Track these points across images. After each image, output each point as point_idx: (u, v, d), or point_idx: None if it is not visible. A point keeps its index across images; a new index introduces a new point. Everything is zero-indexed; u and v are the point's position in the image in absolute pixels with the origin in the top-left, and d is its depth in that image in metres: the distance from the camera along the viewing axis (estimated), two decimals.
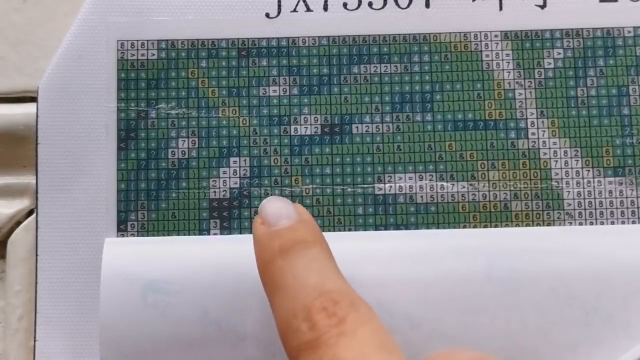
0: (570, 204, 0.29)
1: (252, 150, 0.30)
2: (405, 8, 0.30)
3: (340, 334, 0.21)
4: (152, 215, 0.29)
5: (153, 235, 0.29)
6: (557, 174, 0.29)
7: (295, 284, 0.23)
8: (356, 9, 0.30)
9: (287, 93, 0.30)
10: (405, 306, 0.26)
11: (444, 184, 0.29)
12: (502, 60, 0.30)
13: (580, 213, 0.29)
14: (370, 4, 0.30)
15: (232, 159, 0.30)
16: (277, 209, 0.24)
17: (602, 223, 0.29)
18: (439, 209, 0.29)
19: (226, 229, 0.29)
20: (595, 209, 0.29)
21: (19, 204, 0.30)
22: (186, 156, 0.30)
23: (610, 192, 0.29)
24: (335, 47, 0.30)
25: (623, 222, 0.29)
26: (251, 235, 0.29)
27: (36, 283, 0.29)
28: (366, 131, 0.30)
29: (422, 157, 0.29)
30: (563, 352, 0.26)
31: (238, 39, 0.30)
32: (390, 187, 0.29)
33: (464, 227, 0.29)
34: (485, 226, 0.29)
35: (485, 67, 0.30)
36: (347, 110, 0.30)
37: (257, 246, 0.24)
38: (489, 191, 0.29)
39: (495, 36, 0.30)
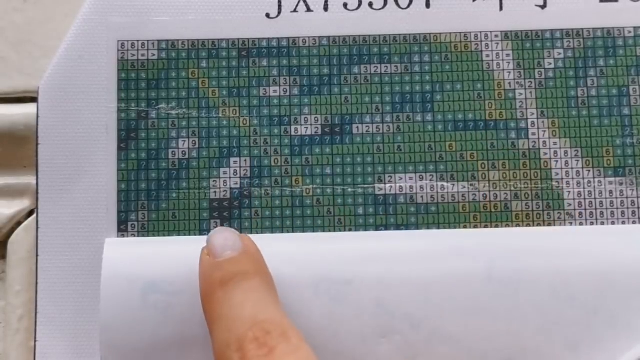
0: (570, 204, 0.29)
1: (252, 150, 0.30)
2: (406, 8, 0.30)
3: None
4: (153, 215, 0.29)
5: (153, 235, 0.29)
6: (557, 174, 0.29)
7: (230, 315, 0.23)
8: (356, 9, 0.30)
9: (288, 93, 0.30)
10: (405, 306, 0.27)
11: (445, 184, 0.29)
12: (503, 60, 0.30)
13: (580, 213, 0.29)
14: (370, 4, 0.30)
15: (232, 159, 0.30)
16: (223, 240, 0.25)
17: (602, 223, 0.29)
18: (440, 209, 0.29)
19: None
20: (596, 209, 0.29)
21: (20, 204, 0.30)
22: (186, 156, 0.30)
23: (611, 192, 0.29)
24: (335, 47, 0.30)
25: (623, 222, 0.29)
26: (252, 236, 0.29)
27: (36, 283, 0.29)
28: (366, 131, 0.30)
29: (422, 157, 0.29)
30: (564, 352, 0.26)
31: (238, 39, 0.30)
32: (391, 187, 0.29)
33: (465, 227, 0.29)
34: (486, 226, 0.29)
35: (486, 67, 0.30)
36: (348, 111, 0.30)
37: (200, 277, 0.25)
38: (490, 191, 0.29)
39: (496, 36, 0.30)
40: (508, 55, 0.30)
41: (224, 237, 0.25)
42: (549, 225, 0.29)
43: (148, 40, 0.30)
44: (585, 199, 0.29)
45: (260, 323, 0.23)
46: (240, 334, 0.23)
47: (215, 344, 0.23)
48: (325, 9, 0.30)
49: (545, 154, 0.29)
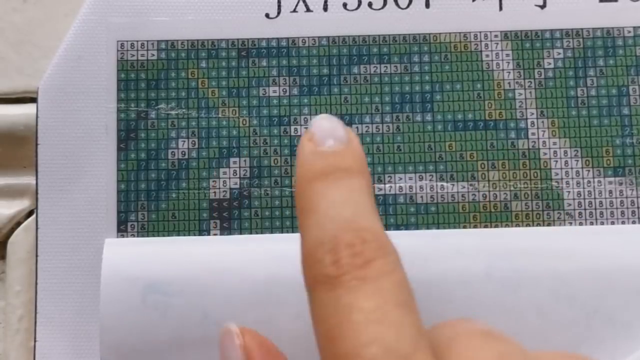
0: (570, 204, 0.29)
1: (252, 150, 0.30)
2: (405, 8, 0.30)
3: (363, 278, 0.20)
4: (152, 215, 0.29)
5: (153, 235, 0.29)
6: (557, 174, 0.29)
7: (328, 211, 0.21)
8: (356, 9, 0.30)
9: (287, 93, 0.30)
10: None
11: (444, 184, 0.29)
12: (502, 60, 0.30)
13: (580, 213, 0.29)
14: (370, 4, 0.30)
15: (232, 160, 0.30)
16: (328, 128, 0.23)
17: (602, 223, 0.29)
18: (439, 209, 0.29)
19: (226, 230, 0.29)
20: (596, 209, 0.29)
21: (19, 205, 0.30)
22: (186, 156, 0.30)
23: (610, 192, 0.29)
24: (335, 47, 0.30)
25: (623, 222, 0.29)
26: (252, 236, 0.29)
27: (36, 284, 0.29)
28: (366, 131, 0.30)
29: (422, 157, 0.29)
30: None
31: (238, 39, 0.30)
32: (391, 187, 0.29)
33: (464, 227, 0.29)
34: (486, 226, 0.29)
35: (485, 67, 0.30)
36: (347, 111, 0.30)
37: (299, 162, 0.23)
38: (489, 191, 0.29)
39: (495, 36, 0.30)
40: (508, 55, 0.30)
41: (331, 125, 0.23)
42: (549, 225, 0.29)
43: (147, 41, 0.30)
44: (585, 199, 0.29)
45: (359, 230, 0.21)
46: (335, 234, 0.21)
47: (306, 239, 0.21)
48: (325, 9, 0.30)
49: (545, 153, 0.29)
